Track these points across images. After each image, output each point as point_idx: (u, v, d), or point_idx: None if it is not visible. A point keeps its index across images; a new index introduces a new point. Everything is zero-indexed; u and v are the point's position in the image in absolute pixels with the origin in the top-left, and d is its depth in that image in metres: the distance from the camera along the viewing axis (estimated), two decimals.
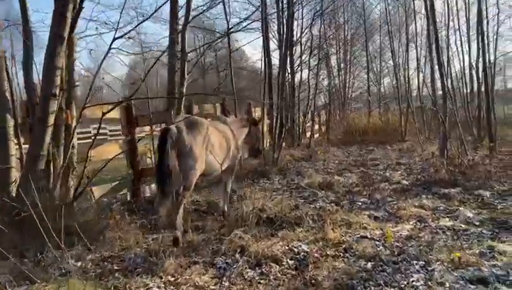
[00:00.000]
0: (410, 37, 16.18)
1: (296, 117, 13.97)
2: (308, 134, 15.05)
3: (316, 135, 18.31)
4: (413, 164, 8.88)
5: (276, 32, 12.12)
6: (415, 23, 14.76)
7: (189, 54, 6.07)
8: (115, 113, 6.35)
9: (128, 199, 6.25)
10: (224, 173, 5.06)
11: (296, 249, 3.67)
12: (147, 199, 6.07)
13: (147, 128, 7.38)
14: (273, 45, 13.81)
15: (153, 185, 6.32)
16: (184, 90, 5.72)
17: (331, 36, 19.18)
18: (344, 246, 3.80)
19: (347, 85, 21.86)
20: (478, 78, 12.17)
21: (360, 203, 5.57)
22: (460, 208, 4.92)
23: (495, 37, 13.11)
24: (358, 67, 23.89)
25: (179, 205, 4.22)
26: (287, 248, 3.71)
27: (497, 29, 12.33)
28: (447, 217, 4.70)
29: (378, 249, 3.74)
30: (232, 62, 9.63)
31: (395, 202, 5.44)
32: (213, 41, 5.21)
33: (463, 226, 4.31)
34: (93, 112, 5.47)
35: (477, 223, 4.39)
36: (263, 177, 7.86)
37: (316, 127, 18.88)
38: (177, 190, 4.23)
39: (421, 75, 15.71)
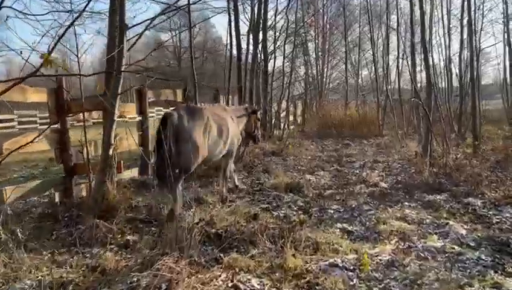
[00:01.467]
0: (390, 24, 15.39)
1: (271, 107, 13.05)
2: (282, 125, 14.13)
3: (292, 127, 17.47)
4: (392, 162, 8.08)
5: (249, 14, 11.02)
6: (397, 9, 13.93)
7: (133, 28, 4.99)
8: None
9: (57, 200, 5.19)
10: (223, 159, 5.30)
11: (242, 286, 2.73)
12: (78, 203, 5.01)
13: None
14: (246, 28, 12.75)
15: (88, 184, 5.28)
16: (123, 68, 4.64)
17: (309, 23, 18.26)
18: (308, 278, 2.88)
19: (325, 75, 21.05)
20: (460, 71, 11.52)
21: (331, 212, 4.68)
22: (450, 222, 4.10)
23: (478, 28, 12.51)
24: (336, 58, 23.12)
25: (175, 188, 4.22)
26: (230, 284, 2.75)
27: (482, 20, 11.66)
28: (435, 233, 3.86)
29: (352, 283, 2.85)
30: (210, 49, 8.76)
31: (372, 212, 4.58)
32: (160, 14, 4.17)
33: (456, 248, 3.47)
34: None
35: (472, 244, 3.56)
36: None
37: (292, 118, 18.02)
38: (174, 173, 4.14)
39: (400, 65, 14.97)
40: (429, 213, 4.52)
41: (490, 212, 4.47)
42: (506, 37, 11.59)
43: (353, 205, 4.90)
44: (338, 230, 4.00)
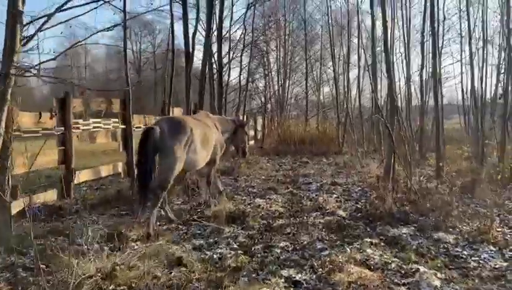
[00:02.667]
0: (352, 38, 15.05)
1: None
2: None
3: (251, 142, 16.66)
4: (351, 185, 7.37)
5: (195, 21, 10.07)
6: (359, 26, 13.54)
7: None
8: None
9: None
10: (206, 167, 5.26)
11: None
12: None
13: None
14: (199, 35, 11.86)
15: None
16: (15, 62, 3.58)
17: (270, 36, 17.74)
18: None
19: (286, 90, 20.50)
20: (422, 89, 11.18)
21: (278, 252, 3.80)
22: (420, 268, 3.31)
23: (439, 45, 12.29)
24: (298, 72, 22.69)
25: (155, 206, 4.32)
26: None
27: (443, 38, 11.43)
28: (403, 285, 3.06)
29: None
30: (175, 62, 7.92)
31: (327, 252, 3.74)
32: (63, 8, 3.23)
33: None
34: None
35: None
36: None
37: (252, 133, 17.23)
38: (153, 190, 4.31)
39: (361, 82, 14.61)
40: (395, 253, 3.74)
41: (465, 252, 3.75)
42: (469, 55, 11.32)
43: (305, 242, 4.04)
44: (282, 280, 3.11)
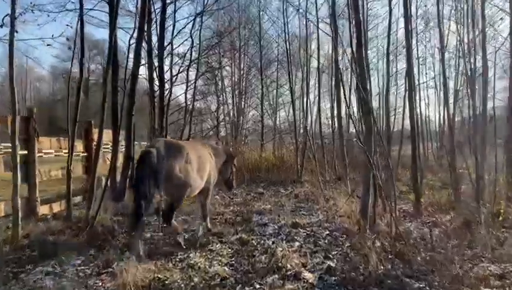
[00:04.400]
0: (311, 52, 13.97)
1: None
2: None
3: None
4: (316, 227, 5.90)
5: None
6: (319, 50, 12.48)
7: None
8: None
9: None
10: (201, 195, 5.28)
11: None
12: None
13: None
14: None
15: None
16: None
17: (223, 54, 16.44)
18: None
19: (241, 112, 19.10)
20: (388, 111, 10.16)
21: None
22: None
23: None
24: (254, 95, 21.44)
25: (168, 221, 4.54)
26: None
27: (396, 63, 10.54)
28: None
29: None
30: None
31: None
32: None
33: None
34: None
35: None
36: (50, 258, 4.09)
37: None
38: (164, 211, 4.38)
39: (323, 105, 13.49)
40: None
41: None
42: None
43: None
44: None
